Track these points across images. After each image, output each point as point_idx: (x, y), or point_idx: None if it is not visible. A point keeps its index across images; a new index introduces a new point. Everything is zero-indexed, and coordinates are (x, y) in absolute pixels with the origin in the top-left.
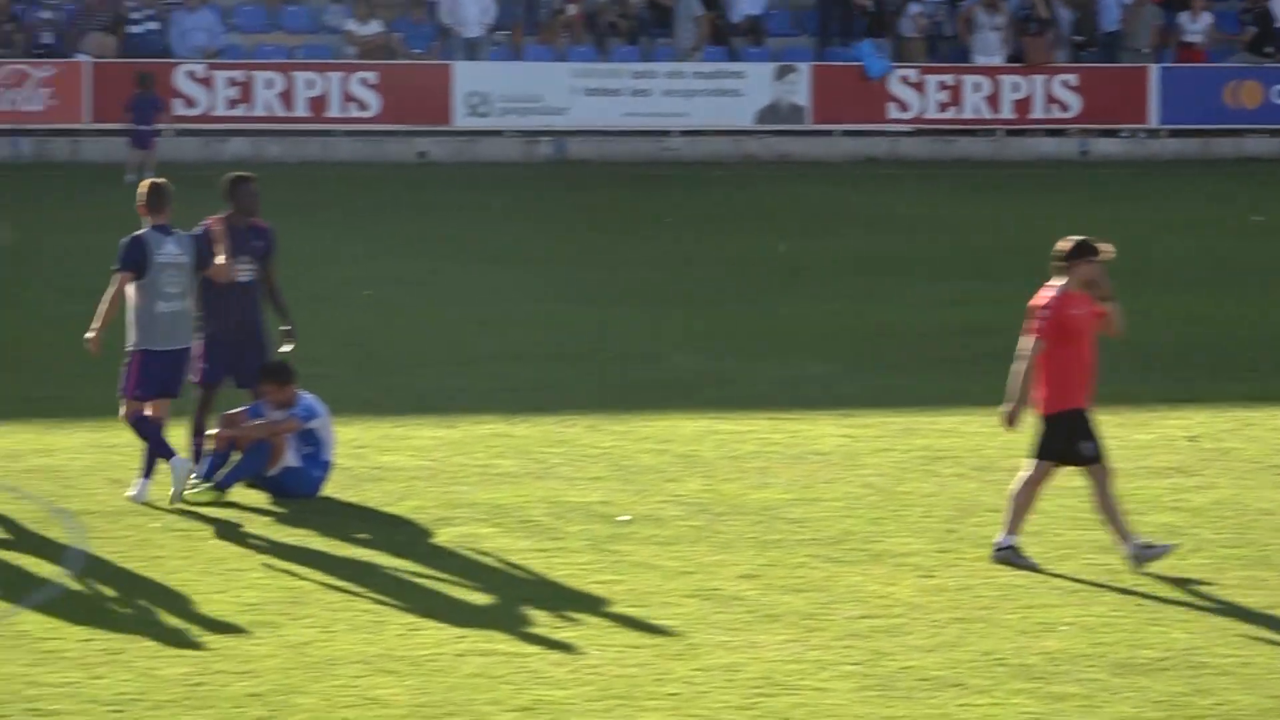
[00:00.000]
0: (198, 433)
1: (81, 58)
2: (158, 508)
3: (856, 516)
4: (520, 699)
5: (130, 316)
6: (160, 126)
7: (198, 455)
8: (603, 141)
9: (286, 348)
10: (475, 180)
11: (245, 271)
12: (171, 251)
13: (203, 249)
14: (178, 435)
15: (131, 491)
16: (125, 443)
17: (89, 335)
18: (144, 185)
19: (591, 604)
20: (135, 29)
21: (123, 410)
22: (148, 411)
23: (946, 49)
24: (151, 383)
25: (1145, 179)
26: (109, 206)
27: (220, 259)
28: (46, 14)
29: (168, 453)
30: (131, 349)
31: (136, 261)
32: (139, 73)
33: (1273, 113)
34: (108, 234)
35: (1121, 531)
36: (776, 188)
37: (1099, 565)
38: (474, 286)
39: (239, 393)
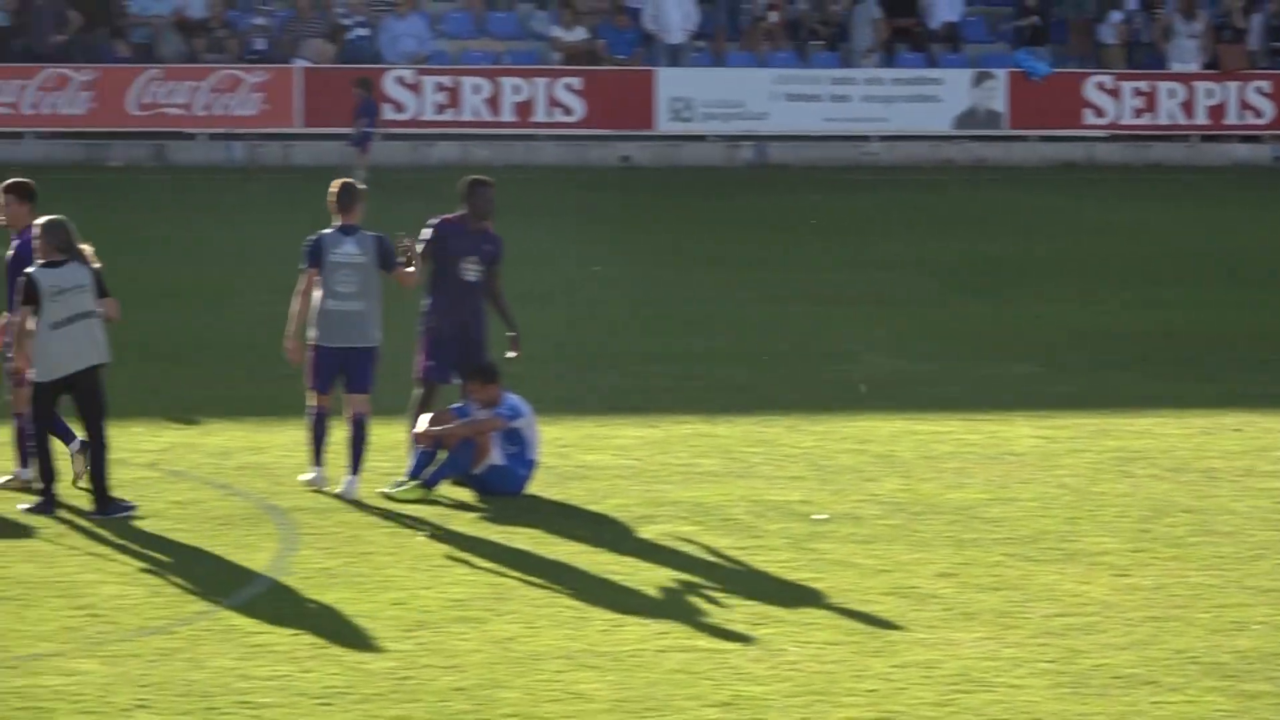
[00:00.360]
0: (414, 429)
1: (298, 63)
2: (366, 504)
3: (1051, 516)
4: (720, 695)
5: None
6: (375, 130)
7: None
8: (802, 146)
9: (512, 354)
10: (678, 184)
11: (472, 272)
12: (349, 251)
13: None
14: (381, 433)
15: (340, 488)
16: (334, 440)
17: (288, 345)
18: (335, 184)
19: (790, 601)
20: (346, 35)
21: (308, 400)
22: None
23: (1143, 56)
24: (325, 376)
25: None
26: (319, 208)
27: (410, 269)
28: (259, 21)
29: (316, 459)
30: (308, 342)
31: (314, 259)
32: (360, 78)
33: None
34: None
35: None
36: (973, 192)
37: None
38: (675, 288)
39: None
